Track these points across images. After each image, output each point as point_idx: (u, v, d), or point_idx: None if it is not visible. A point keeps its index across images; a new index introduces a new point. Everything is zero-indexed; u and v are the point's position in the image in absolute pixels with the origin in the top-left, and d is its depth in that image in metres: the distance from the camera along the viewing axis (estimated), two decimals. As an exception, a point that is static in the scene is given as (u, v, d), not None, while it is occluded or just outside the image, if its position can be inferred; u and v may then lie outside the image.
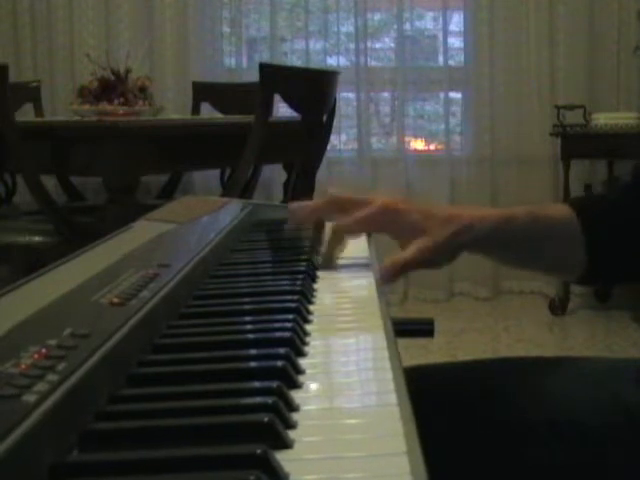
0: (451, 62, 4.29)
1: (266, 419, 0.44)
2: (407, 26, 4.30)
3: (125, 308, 0.60)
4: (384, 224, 0.90)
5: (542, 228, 0.93)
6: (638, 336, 3.50)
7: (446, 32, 4.28)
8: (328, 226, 1.03)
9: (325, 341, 0.65)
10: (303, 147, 2.80)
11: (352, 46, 4.30)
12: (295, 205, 0.96)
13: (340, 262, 0.93)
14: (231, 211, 1.17)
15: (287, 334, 0.61)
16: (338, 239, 0.93)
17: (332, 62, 4.33)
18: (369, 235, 1.04)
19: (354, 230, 0.93)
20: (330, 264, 0.91)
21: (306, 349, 0.60)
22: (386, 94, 4.46)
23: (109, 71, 3.00)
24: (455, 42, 4.36)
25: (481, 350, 3.31)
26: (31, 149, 2.54)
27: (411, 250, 0.85)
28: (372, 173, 4.22)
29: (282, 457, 0.41)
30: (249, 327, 0.66)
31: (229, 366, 0.56)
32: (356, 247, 0.99)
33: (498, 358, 1.00)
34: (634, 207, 0.93)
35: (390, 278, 0.84)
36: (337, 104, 3.10)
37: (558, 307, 3.79)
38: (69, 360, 0.48)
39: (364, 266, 0.91)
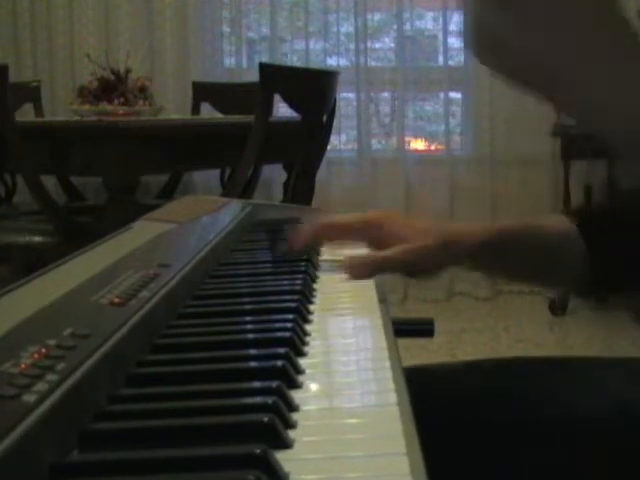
0: (451, 62, 4.29)
1: (266, 419, 0.44)
2: (407, 26, 4.30)
3: (125, 308, 0.60)
4: (365, 236, 0.91)
5: (535, 240, 0.92)
6: (638, 336, 3.50)
7: (446, 32, 4.28)
8: None
9: (325, 341, 0.65)
10: (303, 147, 2.80)
11: (352, 46, 4.30)
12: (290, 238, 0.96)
13: (340, 262, 0.93)
14: (231, 211, 1.17)
15: (287, 334, 0.61)
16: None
17: (332, 62, 4.33)
18: None
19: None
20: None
21: (306, 349, 0.60)
22: (386, 94, 4.46)
23: (109, 71, 3.00)
24: (455, 42, 4.36)
25: (481, 350, 3.31)
26: (31, 149, 2.54)
27: (392, 250, 0.86)
28: (372, 173, 4.22)
29: (282, 457, 0.41)
30: (249, 327, 0.66)
31: (229, 366, 0.56)
32: (356, 248, 0.99)
33: (498, 358, 1.00)
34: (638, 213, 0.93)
35: (361, 272, 0.84)
36: (337, 104, 3.10)
37: (558, 307, 3.79)
38: (69, 360, 0.48)
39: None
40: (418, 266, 0.88)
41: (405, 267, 0.88)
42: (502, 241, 0.90)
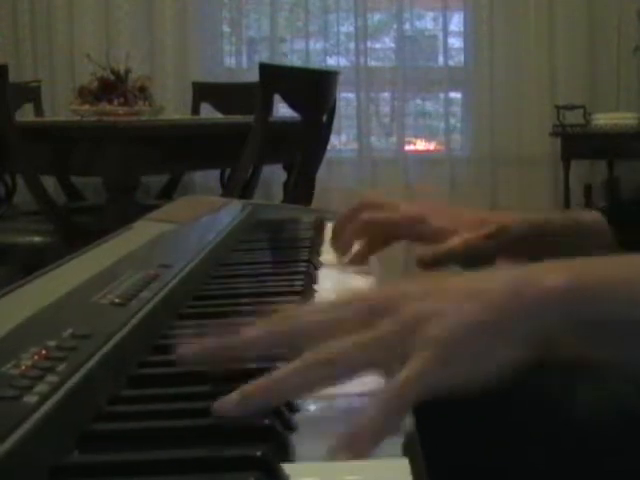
0: (451, 62, 4.29)
1: (266, 421, 0.44)
2: (407, 26, 4.30)
3: (125, 309, 0.60)
4: (408, 235, 0.89)
5: (579, 233, 0.91)
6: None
7: (446, 32, 4.28)
8: (328, 227, 1.03)
9: (325, 342, 0.64)
10: (303, 147, 2.80)
11: (352, 46, 4.30)
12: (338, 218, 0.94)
13: (339, 262, 0.93)
14: (231, 211, 1.17)
15: (287, 335, 0.60)
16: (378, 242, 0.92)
17: (332, 62, 4.33)
18: None
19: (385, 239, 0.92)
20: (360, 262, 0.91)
21: (306, 350, 0.60)
22: (386, 94, 4.46)
23: (109, 71, 3.00)
24: (455, 42, 4.36)
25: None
26: (31, 149, 2.54)
27: (452, 241, 0.84)
28: (372, 173, 4.22)
29: (282, 459, 0.41)
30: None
31: (230, 367, 0.55)
32: (355, 247, 0.98)
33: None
34: None
35: (428, 266, 0.83)
36: (337, 104, 3.09)
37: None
38: (69, 361, 0.48)
39: (364, 266, 0.91)
40: (475, 257, 0.87)
41: (465, 258, 0.87)
42: (547, 229, 0.89)
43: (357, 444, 0.45)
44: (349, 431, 0.45)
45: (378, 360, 0.49)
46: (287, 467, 0.41)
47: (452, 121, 4.35)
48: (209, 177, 3.91)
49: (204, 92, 3.71)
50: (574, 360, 0.52)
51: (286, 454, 0.43)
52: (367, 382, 0.49)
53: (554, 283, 0.50)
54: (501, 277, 0.53)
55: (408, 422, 0.48)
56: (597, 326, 0.50)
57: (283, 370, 0.48)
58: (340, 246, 0.93)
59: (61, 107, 3.91)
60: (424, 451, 0.46)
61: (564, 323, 0.49)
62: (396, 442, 0.44)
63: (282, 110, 3.37)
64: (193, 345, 0.52)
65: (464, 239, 0.85)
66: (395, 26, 4.32)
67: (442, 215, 0.88)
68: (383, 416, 0.46)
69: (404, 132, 4.29)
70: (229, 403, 0.47)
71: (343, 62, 4.33)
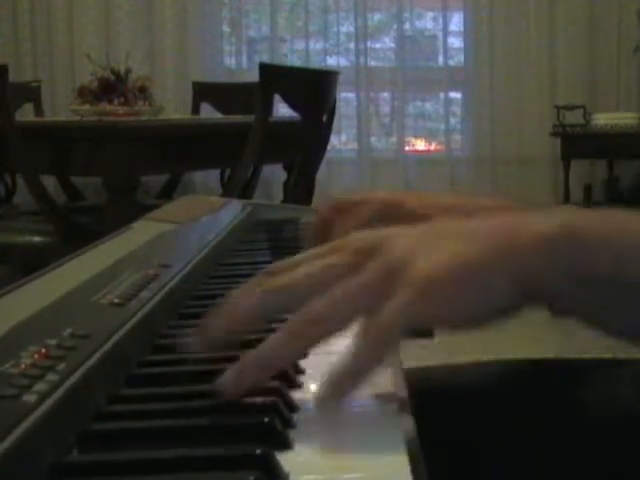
0: (451, 62, 4.30)
1: (266, 419, 0.44)
2: (407, 26, 4.31)
3: (125, 308, 0.60)
4: (385, 219, 0.88)
5: None
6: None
7: (446, 32, 4.28)
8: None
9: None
10: (303, 147, 2.80)
11: (352, 46, 4.30)
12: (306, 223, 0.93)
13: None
14: (231, 211, 1.16)
15: (287, 334, 0.60)
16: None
17: (332, 62, 4.33)
18: None
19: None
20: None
21: (306, 349, 0.60)
22: (386, 94, 4.47)
23: (109, 71, 3.00)
24: (455, 42, 4.36)
25: (481, 350, 3.31)
26: (31, 149, 2.54)
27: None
28: (372, 173, 4.22)
29: (282, 457, 0.41)
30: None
31: (229, 367, 0.55)
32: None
33: (499, 359, 0.99)
34: None
35: None
36: (337, 104, 3.10)
37: (558, 307, 3.79)
38: (69, 360, 0.48)
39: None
40: None
41: None
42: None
43: (343, 381, 0.45)
44: (333, 372, 0.46)
45: (365, 307, 0.48)
46: (287, 465, 0.41)
47: (452, 121, 4.35)
48: (209, 177, 3.91)
49: (204, 92, 3.71)
50: (562, 315, 0.51)
51: (286, 452, 0.43)
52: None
53: (541, 229, 0.48)
54: (490, 221, 0.52)
55: (408, 422, 0.48)
56: (582, 279, 0.48)
57: (273, 338, 0.48)
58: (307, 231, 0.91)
59: (61, 107, 3.91)
60: (424, 451, 0.46)
61: (549, 272, 0.48)
62: (396, 440, 0.44)
63: (282, 110, 3.38)
64: (193, 336, 0.53)
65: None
66: (395, 26, 4.32)
67: (418, 200, 0.87)
68: (367, 350, 0.46)
69: (404, 132, 4.29)
70: (226, 382, 0.47)
71: (343, 62, 4.33)
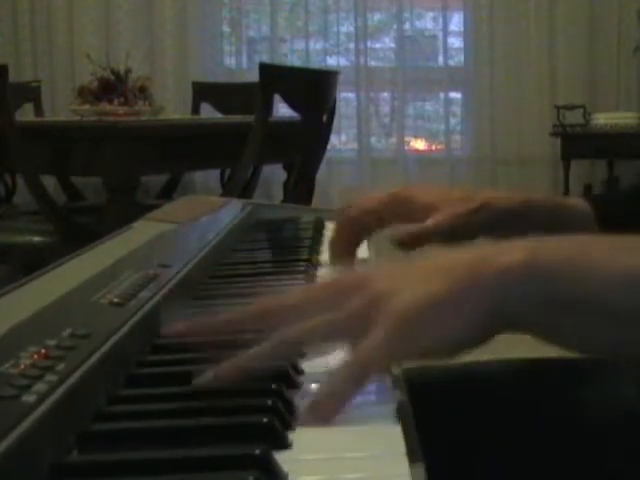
0: (451, 62, 4.30)
1: (265, 420, 0.44)
2: (407, 26, 4.31)
3: (125, 308, 0.60)
4: (395, 215, 0.89)
5: (560, 216, 0.91)
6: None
7: (446, 32, 4.28)
8: (328, 227, 1.03)
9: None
10: (303, 147, 2.80)
11: (352, 46, 4.30)
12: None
13: (339, 263, 0.93)
14: (231, 211, 1.16)
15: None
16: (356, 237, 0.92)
17: (332, 62, 4.33)
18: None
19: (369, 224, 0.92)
20: (341, 260, 0.90)
21: (306, 349, 0.60)
22: (386, 94, 4.46)
23: (109, 71, 3.00)
24: (455, 42, 4.36)
25: (481, 351, 3.31)
26: (31, 149, 2.54)
27: (428, 221, 0.85)
28: (372, 173, 4.22)
29: (281, 457, 0.41)
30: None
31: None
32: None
33: (498, 359, 0.99)
34: None
35: (408, 246, 0.84)
36: (337, 104, 3.10)
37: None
38: (68, 360, 0.48)
39: (364, 267, 0.90)
40: (458, 233, 0.88)
41: (448, 235, 0.87)
42: (529, 209, 0.89)
43: (322, 409, 0.48)
44: (315, 398, 0.49)
45: (342, 336, 0.52)
46: (286, 465, 0.41)
47: (452, 121, 4.35)
48: (209, 177, 3.91)
49: (204, 92, 3.71)
50: (540, 338, 0.53)
51: (285, 452, 0.43)
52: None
53: (508, 260, 0.51)
54: (463, 256, 0.55)
55: (408, 422, 0.48)
56: (550, 305, 0.51)
57: (254, 350, 0.52)
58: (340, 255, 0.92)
59: (61, 107, 3.91)
60: (424, 449, 0.46)
61: (518, 300, 0.51)
62: (395, 440, 0.44)
63: (282, 110, 3.38)
64: (178, 324, 0.57)
65: (447, 214, 0.86)
66: (395, 26, 4.32)
67: (428, 192, 0.88)
68: (345, 383, 0.50)
69: (404, 132, 4.29)
70: (205, 381, 0.51)
71: (343, 62, 4.33)
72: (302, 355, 0.56)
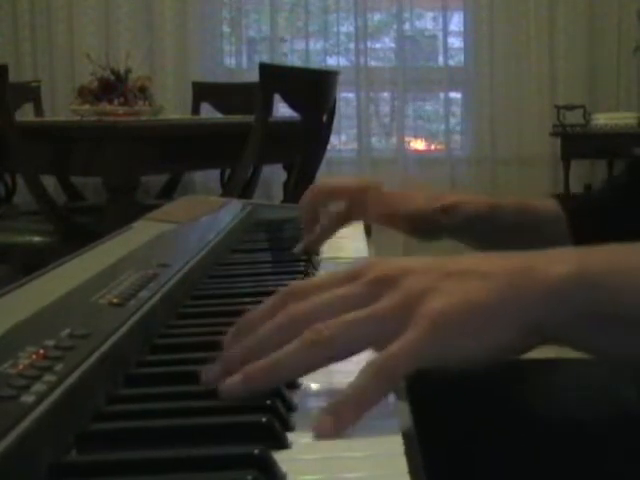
0: (451, 62, 4.29)
1: (264, 419, 0.44)
2: (407, 26, 4.30)
3: (124, 308, 0.60)
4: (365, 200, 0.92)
5: (528, 219, 0.92)
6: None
7: (446, 32, 4.28)
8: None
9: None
10: (303, 147, 2.80)
11: (352, 46, 4.30)
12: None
13: (340, 263, 0.93)
14: (231, 211, 1.16)
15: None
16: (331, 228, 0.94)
17: (332, 62, 4.33)
18: (369, 235, 1.04)
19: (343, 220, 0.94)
20: (313, 250, 0.93)
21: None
22: (386, 94, 4.46)
23: (109, 71, 3.00)
24: (455, 42, 4.36)
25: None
26: (31, 149, 2.54)
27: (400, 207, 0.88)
28: (372, 173, 4.22)
29: (280, 457, 0.41)
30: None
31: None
32: (356, 248, 0.99)
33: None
34: (624, 204, 0.93)
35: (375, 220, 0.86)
36: (337, 104, 3.09)
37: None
38: (67, 360, 0.47)
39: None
40: (424, 230, 0.89)
41: (414, 229, 0.89)
42: (495, 213, 0.90)
43: (342, 412, 0.46)
44: (336, 401, 0.46)
45: (375, 337, 0.49)
46: (284, 465, 0.41)
47: (452, 121, 4.35)
48: (209, 177, 3.91)
49: (204, 92, 3.71)
50: (580, 351, 0.52)
51: (283, 452, 0.43)
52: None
53: (558, 272, 0.49)
54: (504, 262, 0.52)
55: (407, 422, 0.48)
56: (599, 319, 0.49)
57: (283, 351, 0.49)
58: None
59: (61, 107, 3.91)
60: (423, 450, 0.46)
61: (564, 315, 0.49)
62: (394, 440, 0.44)
63: (282, 110, 3.37)
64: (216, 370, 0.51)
65: (410, 207, 0.88)
66: (395, 26, 4.32)
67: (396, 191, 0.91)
68: (370, 385, 0.47)
69: (404, 132, 4.29)
70: (233, 385, 0.48)
71: (343, 62, 4.33)
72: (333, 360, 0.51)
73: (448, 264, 0.53)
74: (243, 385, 0.48)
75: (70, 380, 0.45)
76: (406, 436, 0.45)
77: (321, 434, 0.45)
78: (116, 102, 2.91)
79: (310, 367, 0.50)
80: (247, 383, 0.48)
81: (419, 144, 4.42)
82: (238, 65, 4.33)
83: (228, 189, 2.79)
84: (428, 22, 4.49)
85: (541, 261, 0.51)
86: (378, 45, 4.44)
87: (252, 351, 0.51)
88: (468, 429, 0.85)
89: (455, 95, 4.38)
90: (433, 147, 4.46)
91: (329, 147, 3.21)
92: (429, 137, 4.47)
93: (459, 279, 0.50)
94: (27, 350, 0.48)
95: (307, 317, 0.51)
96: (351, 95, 4.29)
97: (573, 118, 3.90)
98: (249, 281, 0.83)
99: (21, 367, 0.46)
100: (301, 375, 0.50)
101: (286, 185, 3.07)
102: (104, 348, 0.51)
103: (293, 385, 0.52)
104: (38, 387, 0.43)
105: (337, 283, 0.53)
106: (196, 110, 3.68)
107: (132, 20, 4.17)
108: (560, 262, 0.50)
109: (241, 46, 4.36)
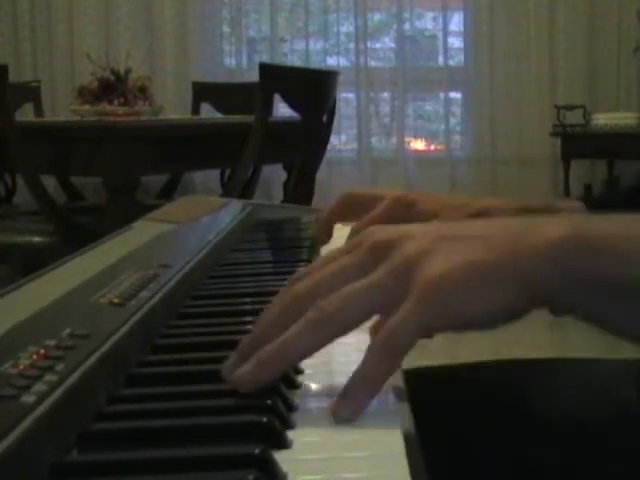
0: (451, 62, 4.30)
1: (265, 419, 0.44)
2: (407, 26, 4.31)
3: (124, 308, 0.60)
4: (397, 218, 0.89)
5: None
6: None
7: (446, 32, 4.28)
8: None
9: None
10: (303, 147, 2.80)
11: (352, 46, 4.30)
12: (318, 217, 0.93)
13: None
14: (231, 211, 1.16)
15: (286, 334, 0.60)
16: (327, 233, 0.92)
17: (332, 62, 4.33)
18: None
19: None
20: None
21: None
22: (386, 94, 4.47)
23: (109, 71, 3.00)
24: (455, 42, 4.36)
25: (481, 351, 3.31)
26: (31, 149, 2.54)
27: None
28: (372, 173, 4.22)
29: (280, 457, 0.41)
30: (249, 327, 0.66)
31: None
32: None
33: (498, 360, 0.99)
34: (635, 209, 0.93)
35: None
36: (337, 104, 3.10)
37: (558, 307, 3.78)
38: (68, 360, 0.47)
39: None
40: None
41: None
42: (525, 215, 0.89)
43: (356, 394, 0.46)
44: (348, 384, 0.47)
45: (377, 306, 0.50)
46: (285, 465, 0.41)
47: (452, 121, 4.35)
48: (209, 177, 3.91)
49: (204, 92, 3.71)
50: (563, 314, 0.51)
51: (284, 452, 0.43)
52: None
53: (554, 234, 0.48)
54: (503, 225, 0.53)
55: (407, 422, 0.48)
56: (596, 284, 0.48)
57: (289, 333, 0.49)
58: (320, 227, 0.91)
59: (61, 107, 3.91)
60: (423, 450, 0.46)
61: (562, 277, 0.48)
62: (395, 441, 0.44)
63: (282, 110, 3.38)
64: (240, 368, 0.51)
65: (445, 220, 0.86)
66: (395, 26, 4.32)
67: (428, 199, 0.88)
68: (378, 363, 0.47)
69: (404, 132, 4.29)
70: (245, 373, 0.48)
71: (343, 62, 4.33)
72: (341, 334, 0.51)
73: (446, 228, 0.53)
74: (255, 372, 0.48)
75: (71, 380, 0.45)
76: (406, 436, 0.45)
77: (339, 418, 0.46)
78: (116, 102, 2.91)
79: (318, 345, 0.50)
80: (258, 369, 0.48)
81: (419, 144, 4.42)
82: (238, 65, 4.33)
83: (228, 189, 2.79)
84: (428, 22, 4.49)
85: (539, 225, 0.50)
86: (378, 45, 4.44)
87: (261, 336, 0.51)
88: (468, 429, 0.85)
89: (455, 95, 4.38)
90: (433, 147, 4.47)
91: (329, 147, 3.21)
92: (429, 137, 4.47)
93: (457, 241, 0.50)
94: (28, 350, 0.48)
95: (310, 294, 0.51)
96: (351, 95, 4.29)
97: (573, 118, 3.90)
98: (249, 281, 0.83)
99: (22, 367, 0.46)
100: (311, 354, 0.50)
101: (286, 185, 3.07)
102: (105, 348, 0.51)
103: (293, 385, 0.52)
104: (39, 387, 0.43)
105: (339, 256, 0.53)
106: (196, 110, 3.68)
107: (132, 20, 4.17)
108: (556, 225, 0.49)
109: (241, 46, 4.36)
